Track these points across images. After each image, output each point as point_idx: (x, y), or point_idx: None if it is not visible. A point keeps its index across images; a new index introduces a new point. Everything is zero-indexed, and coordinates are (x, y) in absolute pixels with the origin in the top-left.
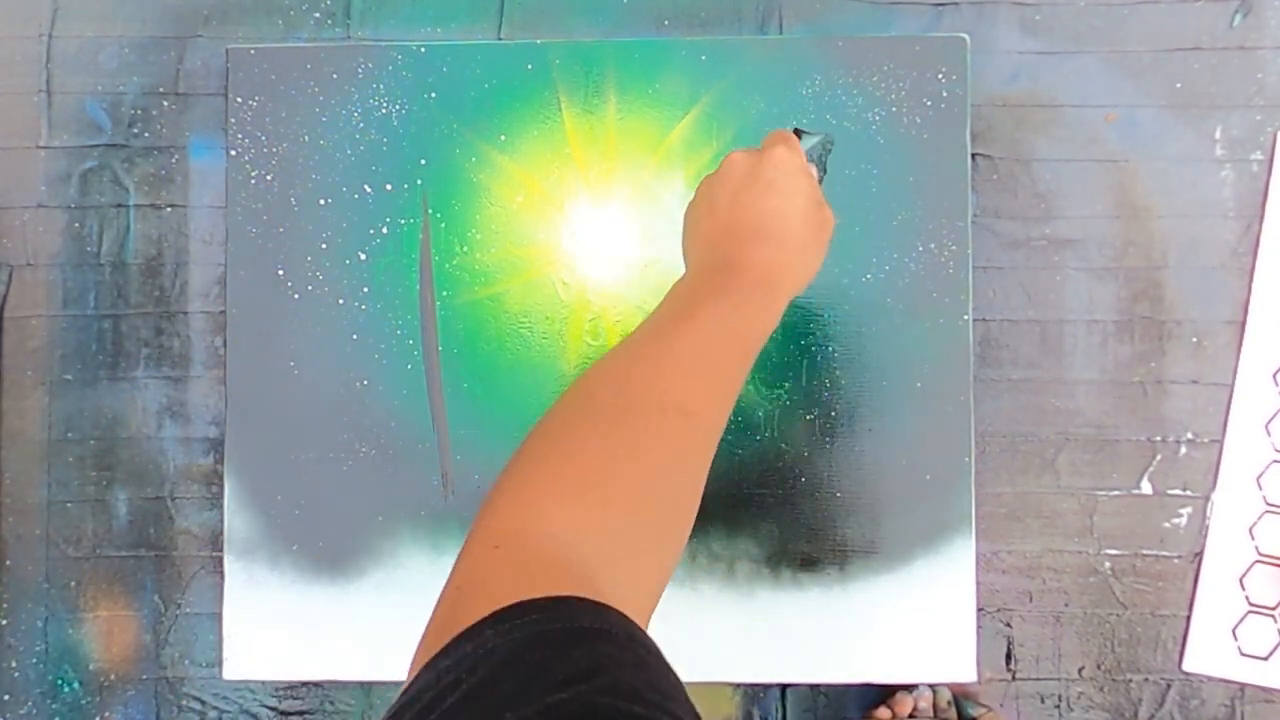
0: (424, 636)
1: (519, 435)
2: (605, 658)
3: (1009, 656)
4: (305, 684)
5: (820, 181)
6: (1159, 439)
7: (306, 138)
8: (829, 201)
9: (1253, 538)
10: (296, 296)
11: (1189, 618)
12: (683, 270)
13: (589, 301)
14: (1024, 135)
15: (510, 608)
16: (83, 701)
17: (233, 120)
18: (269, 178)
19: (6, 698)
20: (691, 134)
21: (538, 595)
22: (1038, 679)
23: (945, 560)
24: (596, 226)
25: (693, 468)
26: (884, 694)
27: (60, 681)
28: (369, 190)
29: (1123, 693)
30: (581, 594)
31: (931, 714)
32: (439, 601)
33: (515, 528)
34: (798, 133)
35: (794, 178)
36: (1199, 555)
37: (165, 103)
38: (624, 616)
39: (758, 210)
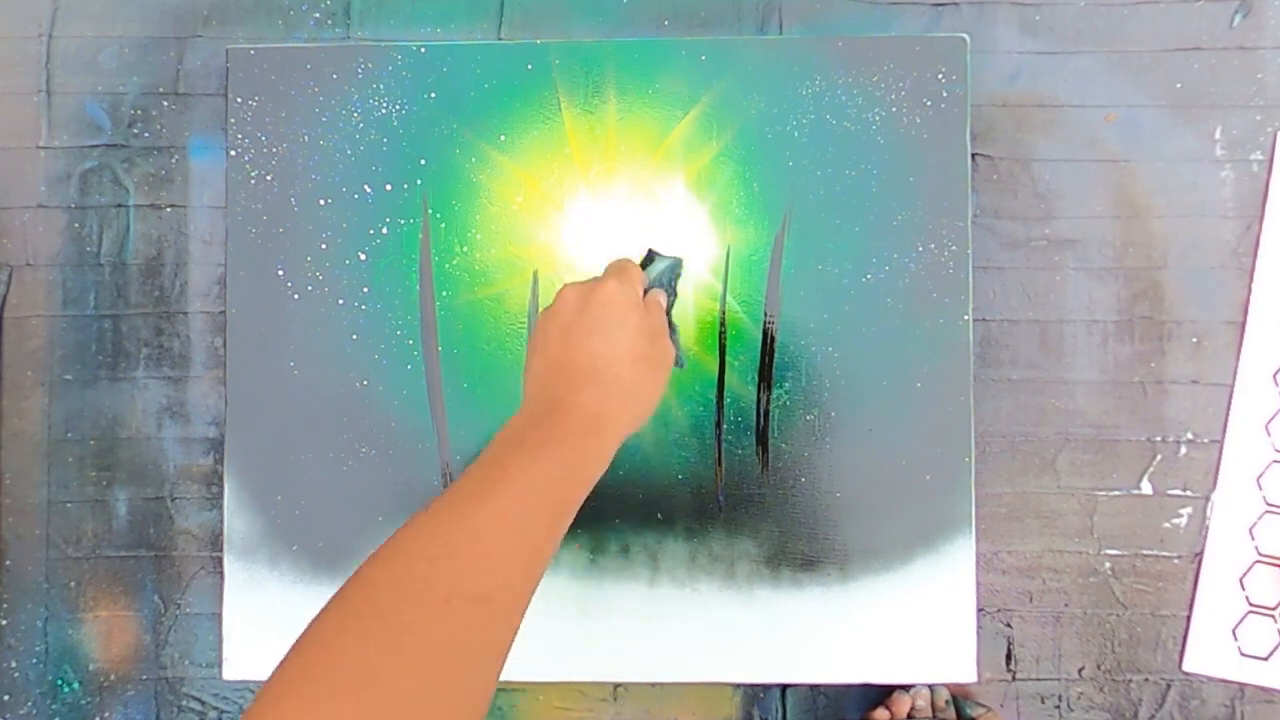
0: None
1: None
2: None
3: (1009, 656)
4: None
5: (670, 307)
6: (1159, 439)
7: (306, 138)
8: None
9: (1253, 538)
10: (296, 296)
11: (1189, 618)
12: (682, 269)
13: None
14: (1024, 135)
15: None
16: (83, 701)
17: (233, 120)
18: (269, 178)
19: (6, 698)
20: (691, 134)
21: None
22: (1038, 679)
23: (945, 560)
24: (596, 227)
25: (482, 657)
26: (883, 694)
27: (60, 681)
28: (369, 190)
29: (1123, 693)
30: None
31: (930, 714)
32: None
33: None
34: (650, 254)
35: (623, 314)
36: (1199, 555)
37: (165, 103)
38: None
39: (584, 350)
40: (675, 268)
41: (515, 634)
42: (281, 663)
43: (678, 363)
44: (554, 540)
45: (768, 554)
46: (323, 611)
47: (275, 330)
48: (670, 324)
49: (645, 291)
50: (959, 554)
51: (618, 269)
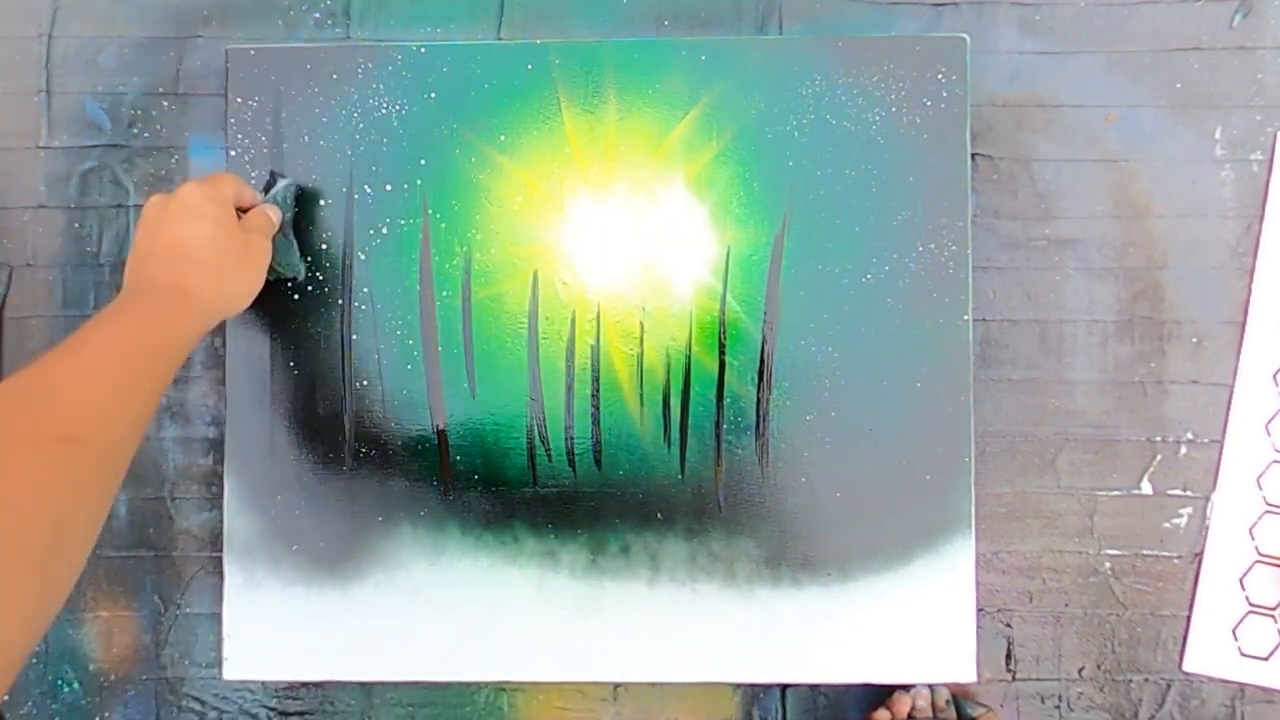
0: None
1: (518, 435)
2: None
3: (1009, 656)
4: (305, 684)
5: (288, 219)
6: (1159, 439)
7: (306, 138)
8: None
9: (1253, 538)
10: (296, 297)
11: (1189, 618)
12: (680, 266)
13: (589, 301)
14: (1024, 135)
15: None
16: (83, 701)
17: (233, 120)
18: (269, 178)
19: (6, 698)
20: (691, 134)
21: None
22: (1038, 679)
23: (945, 560)
24: (596, 227)
25: (78, 497)
26: (883, 694)
27: (60, 681)
28: (369, 190)
29: (1123, 693)
30: None
31: (930, 714)
32: None
33: None
34: (272, 177)
35: (201, 207)
36: (1199, 555)
37: (165, 103)
38: None
39: (165, 239)
40: (291, 187)
41: (119, 479)
42: None
43: (294, 270)
44: (153, 389)
45: (768, 554)
46: None
47: (275, 330)
48: (287, 236)
49: (256, 205)
50: (959, 554)
51: (205, 177)
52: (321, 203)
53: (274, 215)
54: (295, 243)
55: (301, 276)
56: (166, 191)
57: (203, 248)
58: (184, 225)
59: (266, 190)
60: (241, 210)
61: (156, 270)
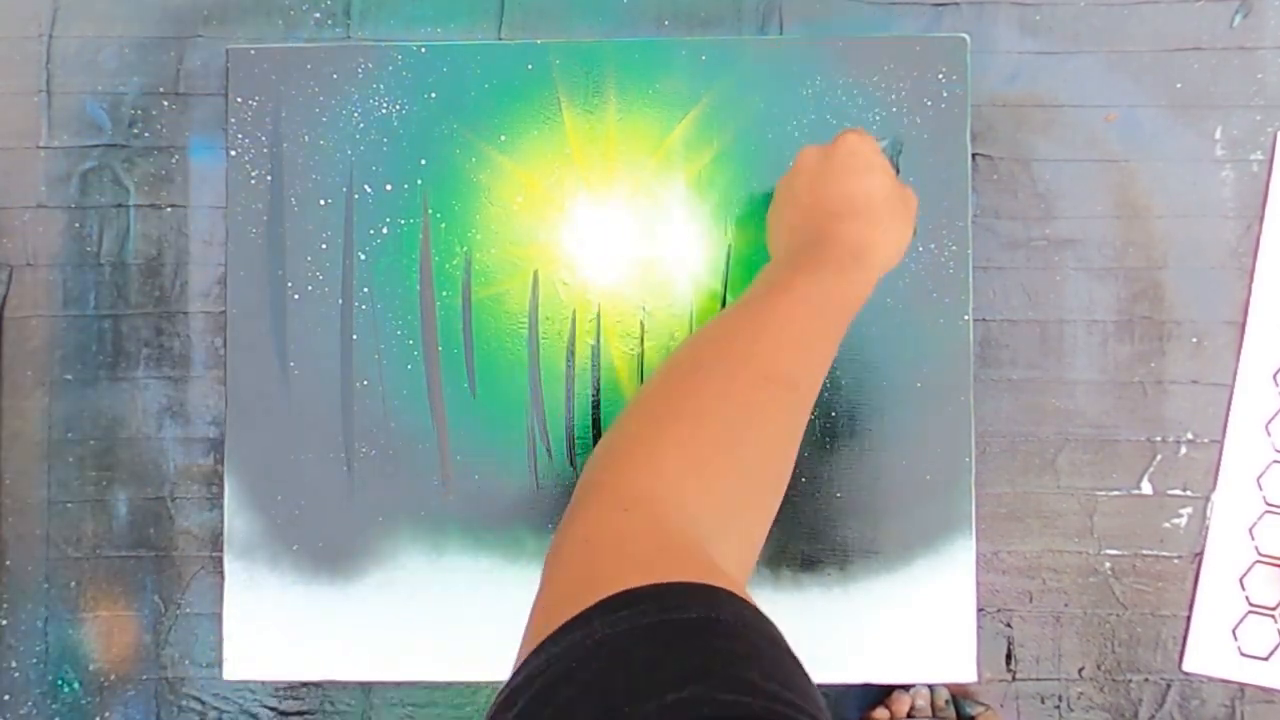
0: (550, 590)
1: (518, 435)
2: (718, 651)
3: (1009, 656)
4: (305, 684)
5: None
6: (1159, 439)
7: (306, 138)
8: None
9: (1253, 538)
10: (296, 296)
11: (1189, 618)
12: (680, 267)
13: (589, 301)
14: (1024, 135)
15: (618, 596)
16: (83, 701)
17: (233, 120)
18: (269, 178)
19: (6, 698)
20: (691, 134)
21: (661, 578)
22: (1038, 679)
23: (945, 560)
24: (596, 227)
25: (794, 440)
26: (883, 694)
27: (60, 681)
28: (369, 190)
29: (1123, 693)
30: (701, 578)
31: (930, 713)
32: (558, 553)
33: (644, 492)
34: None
35: (868, 159)
36: (1199, 555)
37: (165, 103)
38: (734, 597)
39: (837, 192)
40: (895, 143)
41: (805, 424)
42: (627, 419)
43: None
44: (834, 345)
45: (768, 554)
46: (656, 377)
47: (275, 330)
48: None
49: None
50: (959, 554)
51: (853, 130)
52: (321, 202)
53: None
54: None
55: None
56: (819, 145)
57: (878, 207)
58: (857, 179)
59: None
60: None
61: (832, 226)
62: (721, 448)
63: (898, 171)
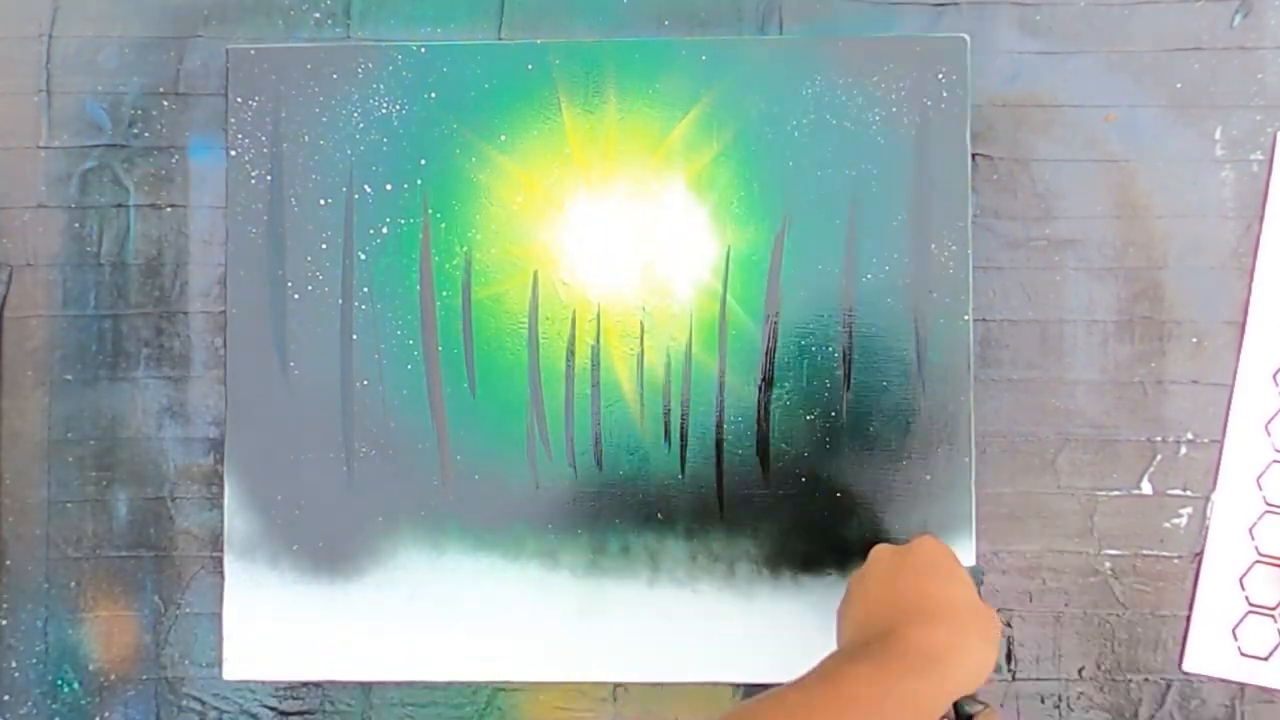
0: None
1: (518, 435)
2: None
3: (1009, 656)
4: (305, 684)
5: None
6: (1159, 439)
7: (306, 138)
8: None
9: (1253, 538)
10: (296, 296)
11: (1189, 618)
12: (680, 267)
13: (589, 301)
14: (1024, 135)
15: None
16: (83, 701)
17: (233, 120)
18: (269, 178)
19: (6, 698)
20: (691, 134)
21: None
22: (1038, 679)
23: None
24: (596, 227)
25: None
26: None
27: (60, 681)
28: (369, 190)
29: (1123, 693)
30: None
31: None
32: None
33: None
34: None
35: (949, 562)
36: (1199, 555)
37: (165, 103)
38: None
39: (916, 590)
40: (977, 572)
41: None
42: None
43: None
44: None
45: (768, 554)
46: None
47: (275, 330)
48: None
49: None
50: (959, 554)
51: (928, 536)
52: (321, 202)
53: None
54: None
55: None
56: (893, 545)
57: (961, 612)
58: (937, 579)
59: None
60: None
61: (906, 626)
62: None
63: (979, 588)
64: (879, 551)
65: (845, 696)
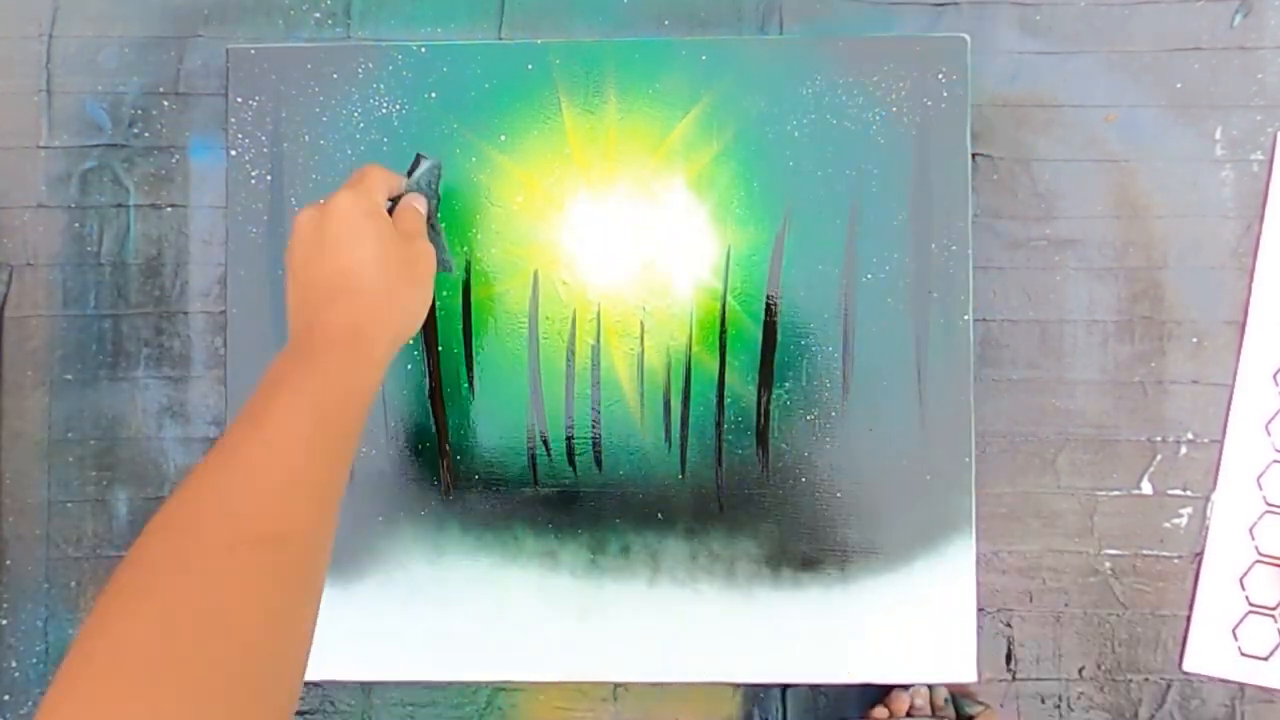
0: None
1: (518, 435)
2: None
3: (1009, 656)
4: (305, 684)
5: (434, 210)
6: (1159, 439)
7: (306, 138)
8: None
9: (1253, 538)
10: None
11: (1189, 618)
12: (680, 266)
13: (589, 301)
14: (1024, 135)
15: None
16: None
17: (233, 120)
18: (269, 178)
19: (6, 698)
20: (691, 134)
21: None
22: (1038, 679)
23: (945, 560)
24: (596, 226)
25: (285, 604)
26: (883, 694)
27: None
28: None
29: (1123, 693)
30: None
31: (929, 713)
32: None
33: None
34: (416, 159)
35: (360, 224)
36: (1199, 555)
37: (165, 103)
38: None
39: (328, 269)
40: (435, 169)
41: (323, 575)
42: (75, 642)
43: (445, 267)
44: (341, 464)
45: (768, 554)
46: (106, 589)
47: (275, 330)
48: (433, 226)
49: (402, 195)
50: (959, 554)
51: (354, 178)
52: (321, 202)
53: (420, 205)
54: (443, 233)
55: (455, 271)
56: (313, 204)
57: (373, 278)
58: (346, 251)
59: (409, 173)
60: (390, 202)
61: (326, 312)
62: (164, 658)
63: (437, 196)
64: (299, 221)
65: (277, 433)
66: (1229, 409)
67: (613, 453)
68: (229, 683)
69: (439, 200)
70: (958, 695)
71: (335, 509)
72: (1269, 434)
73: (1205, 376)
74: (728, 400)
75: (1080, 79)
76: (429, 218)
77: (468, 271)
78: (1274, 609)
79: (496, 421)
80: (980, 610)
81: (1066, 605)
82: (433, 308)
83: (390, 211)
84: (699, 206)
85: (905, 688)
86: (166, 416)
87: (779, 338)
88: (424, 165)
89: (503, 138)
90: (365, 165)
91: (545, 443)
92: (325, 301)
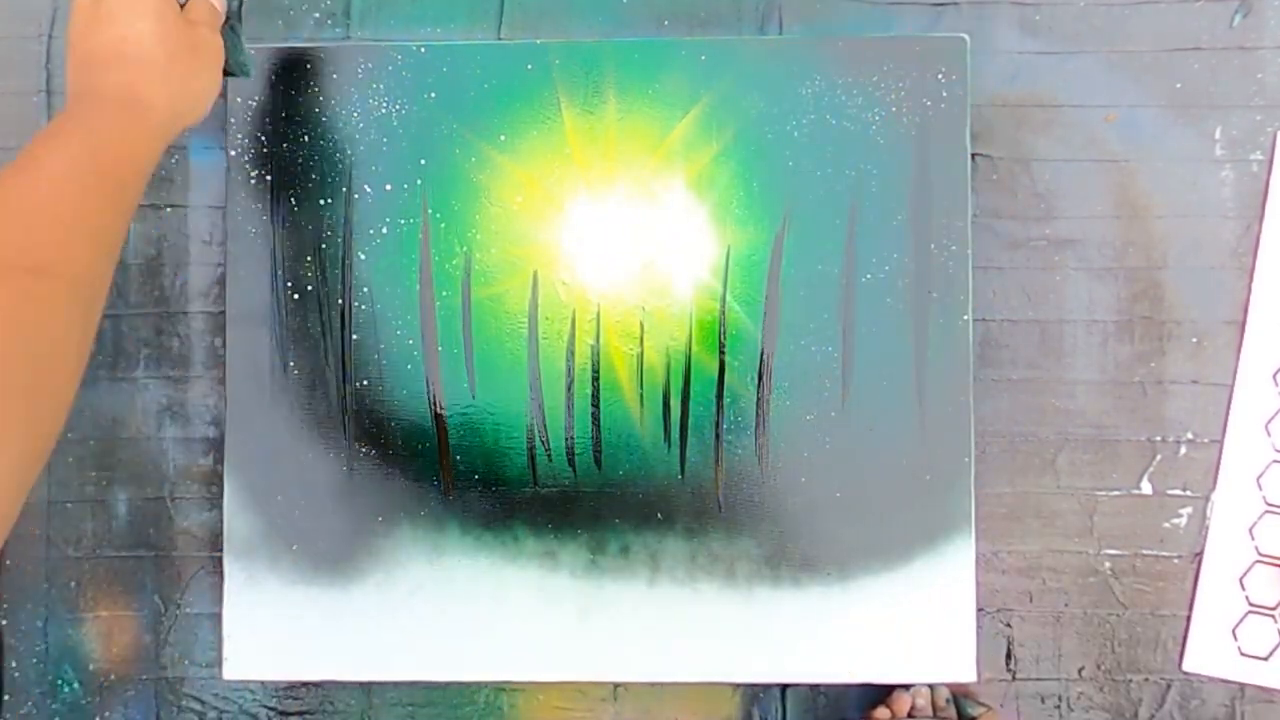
0: None
1: (518, 435)
2: None
3: (1009, 656)
4: (305, 684)
5: (235, 9)
6: (1159, 439)
7: (306, 138)
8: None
9: (1253, 538)
10: (296, 297)
11: (1189, 618)
12: (680, 267)
13: (589, 301)
14: (1024, 135)
15: None
16: (83, 701)
17: (233, 120)
18: (269, 178)
19: (6, 698)
20: (691, 134)
21: None
22: (1038, 679)
23: (945, 560)
24: (596, 226)
25: (57, 330)
26: (884, 694)
27: (60, 681)
28: (369, 190)
29: (1123, 693)
30: None
31: (930, 713)
32: None
33: None
34: None
35: (139, 2)
36: (1199, 555)
37: None
38: None
39: (106, 38)
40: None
41: (96, 314)
42: None
43: (243, 70)
44: (117, 213)
45: (768, 554)
46: None
47: (275, 330)
48: (234, 29)
49: None
50: (959, 554)
51: None
52: (321, 202)
53: (219, 4)
54: (243, 37)
55: (251, 75)
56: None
57: (151, 48)
58: (125, 23)
59: None
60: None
61: (102, 76)
62: None
63: (239, 20)
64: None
65: (47, 173)
66: (1229, 409)
67: (612, 453)
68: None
69: (240, 4)
70: (959, 696)
71: (112, 254)
72: (1269, 434)
73: (1205, 376)
74: (727, 400)
75: (1080, 79)
76: (227, 18)
77: (467, 272)
78: (1274, 609)
79: (496, 421)
80: (980, 610)
81: (1066, 605)
82: (434, 307)
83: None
84: (699, 207)
85: (906, 688)
86: (166, 416)
87: (779, 338)
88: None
89: (502, 138)
90: None
91: (545, 443)
92: (101, 67)
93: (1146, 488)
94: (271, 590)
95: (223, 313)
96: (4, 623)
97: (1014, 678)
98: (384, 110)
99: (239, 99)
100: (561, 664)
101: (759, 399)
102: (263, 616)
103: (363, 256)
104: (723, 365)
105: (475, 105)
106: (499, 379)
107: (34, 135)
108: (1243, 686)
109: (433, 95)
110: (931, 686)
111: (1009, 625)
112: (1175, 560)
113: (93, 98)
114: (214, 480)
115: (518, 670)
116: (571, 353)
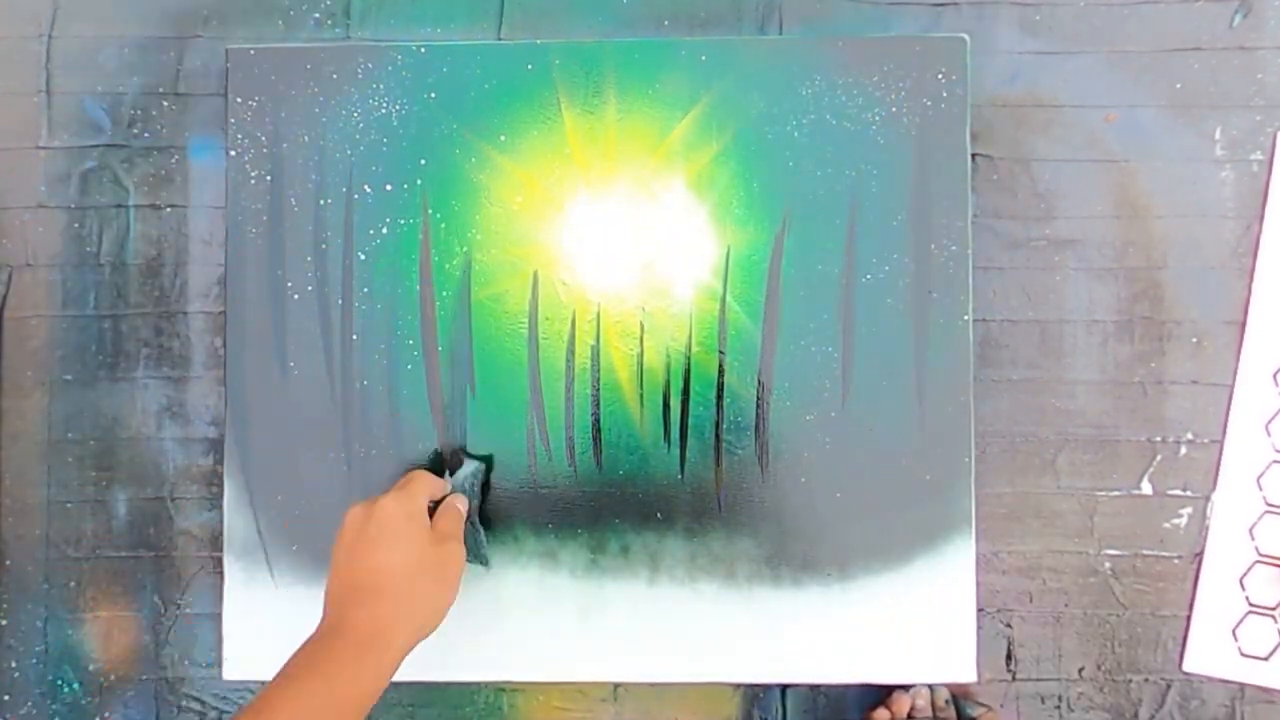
0: None
1: (518, 435)
2: None
3: (1009, 656)
4: None
5: (476, 510)
6: (1159, 439)
7: (306, 138)
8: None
9: (1253, 538)
10: (296, 297)
11: (1189, 618)
12: (680, 267)
13: (589, 301)
14: (1024, 135)
15: None
16: (83, 701)
17: (233, 120)
18: (269, 178)
19: (6, 698)
20: (691, 134)
21: None
22: (1038, 679)
23: (945, 560)
24: (596, 227)
25: None
26: (884, 694)
27: (60, 681)
28: (369, 190)
29: (1123, 693)
30: None
31: (930, 713)
32: None
33: None
34: (460, 457)
35: (400, 527)
36: (1199, 555)
37: (165, 103)
38: None
39: (365, 567)
40: (478, 472)
41: None
42: None
43: (482, 561)
44: None
45: (768, 554)
46: None
47: (275, 330)
48: (474, 525)
49: (445, 495)
50: (959, 554)
51: (401, 482)
52: (321, 202)
53: (462, 505)
54: (482, 530)
55: (490, 566)
56: (366, 501)
57: (404, 581)
58: (384, 552)
59: (452, 471)
60: (434, 504)
61: (356, 610)
62: None
63: (481, 496)
64: (350, 516)
65: (300, 705)
66: (1229, 409)
67: (612, 453)
68: None
69: (480, 500)
70: (958, 696)
71: None
72: (1269, 434)
73: (1205, 376)
74: (727, 400)
75: (1080, 79)
76: (469, 516)
77: (467, 272)
78: (1274, 609)
79: (496, 421)
80: (980, 610)
81: (1066, 605)
82: (434, 307)
83: (433, 511)
84: (699, 207)
85: (906, 688)
86: (166, 416)
87: (779, 338)
88: (468, 468)
89: (502, 138)
90: (412, 470)
91: (545, 443)
92: (354, 600)
93: (1147, 488)
94: (271, 591)
95: (223, 313)
96: (4, 623)
97: (1014, 678)
98: (384, 110)
99: (239, 99)
100: (561, 664)
101: (759, 399)
102: (263, 617)
103: (363, 256)
104: (723, 365)
105: (475, 105)
106: (499, 379)
107: (285, 664)
108: (1243, 687)
109: (433, 95)
110: (931, 687)
111: (1009, 625)
112: (1175, 560)
113: (341, 635)
114: (214, 480)
115: (518, 670)
116: (571, 353)
